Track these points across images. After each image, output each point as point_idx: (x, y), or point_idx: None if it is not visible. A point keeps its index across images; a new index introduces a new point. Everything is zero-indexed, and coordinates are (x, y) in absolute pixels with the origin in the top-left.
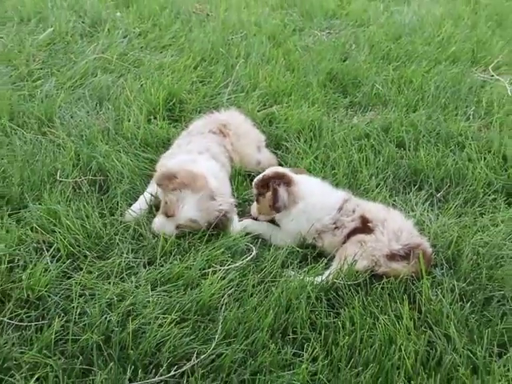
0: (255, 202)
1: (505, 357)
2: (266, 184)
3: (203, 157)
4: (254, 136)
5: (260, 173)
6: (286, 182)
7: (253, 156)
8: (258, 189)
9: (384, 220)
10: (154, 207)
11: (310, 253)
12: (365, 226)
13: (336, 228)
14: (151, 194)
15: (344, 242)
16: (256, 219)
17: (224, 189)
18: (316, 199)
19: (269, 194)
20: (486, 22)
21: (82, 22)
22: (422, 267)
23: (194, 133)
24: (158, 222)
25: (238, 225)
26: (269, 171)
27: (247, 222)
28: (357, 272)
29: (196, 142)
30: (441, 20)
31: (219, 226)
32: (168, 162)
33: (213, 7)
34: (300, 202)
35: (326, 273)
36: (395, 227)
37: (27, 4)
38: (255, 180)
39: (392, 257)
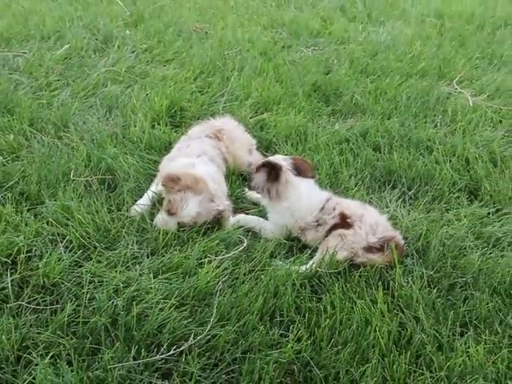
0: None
1: (466, 335)
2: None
3: (201, 159)
4: (245, 140)
5: (251, 173)
6: (271, 174)
7: (245, 158)
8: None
9: (362, 215)
10: (158, 203)
11: (296, 244)
12: (344, 222)
13: (318, 225)
14: (154, 192)
15: (326, 236)
16: None
17: (221, 189)
18: (302, 203)
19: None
20: (450, 42)
21: (96, 39)
22: (394, 257)
23: (193, 138)
24: (161, 218)
25: (231, 219)
26: (271, 158)
27: (240, 216)
28: (337, 262)
29: (194, 146)
30: (411, 40)
31: (215, 222)
32: (170, 163)
33: (211, 26)
34: (285, 201)
35: (310, 262)
36: (372, 222)
37: (48, 24)
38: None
39: (369, 249)
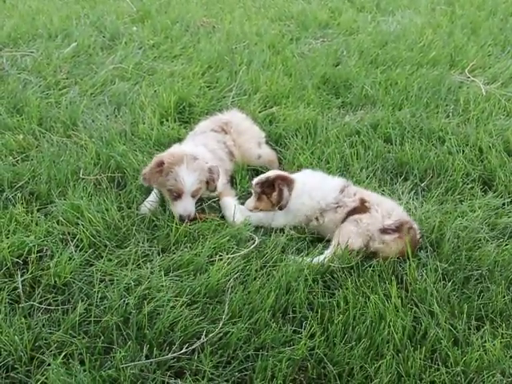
0: (253, 198)
1: (482, 329)
2: (271, 184)
3: (197, 148)
4: (254, 132)
5: (260, 168)
6: (288, 182)
7: (253, 150)
8: (262, 188)
9: (379, 201)
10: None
11: (309, 239)
12: (362, 206)
13: (338, 207)
14: None
15: (343, 221)
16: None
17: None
18: (315, 181)
19: (275, 194)
20: (461, 29)
21: (103, 37)
22: (409, 243)
23: (198, 133)
24: (179, 208)
25: (240, 216)
26: (272, 173)
27: (250, 213)
28: (352, 251)
29: (197, 141)
30: (422, 28)
31: (211, 185)
32: None
33: (218, 20)
34: (299, 184)
35: (324, 253)
36: (388, 207)
37: (55, 22)
38: (257, 179)
39: (384, 230)
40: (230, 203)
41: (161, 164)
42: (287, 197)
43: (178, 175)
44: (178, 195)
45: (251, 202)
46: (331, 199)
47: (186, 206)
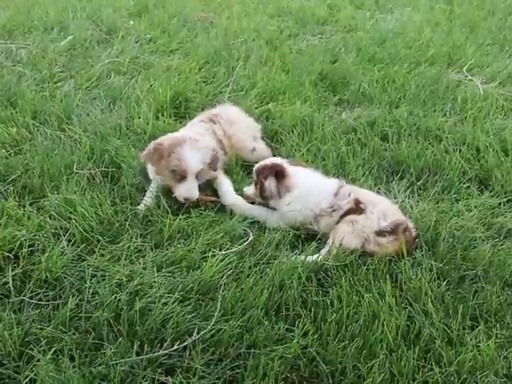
0: (253, 186)
1: (476, 329)
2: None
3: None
4: (247, 123)
5: (256, 161)
6: (277, 173)
7: (248, 142)
8: (256, 177)
9: (374, 202)
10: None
11: (303, 235)
12: (357, 207)
13: (333, 211)
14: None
15: (338, 223)
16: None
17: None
18: (310, 186)
19: (258, 186)
20: (460, 28)
21: (99, 30)
22: (405, 243)
23: (188, 125)
24: (183, 190)
25: (237, 208)
26: (265, 162)
27: (245, 207)
28: (348, 250)
29: (186, 131)
30: (420, 26)
31: (214, 165)
32: None
33: (216, 15)
34: (294, 190)
35: (321, 251)
36: (383, 207)
37: (51, 15)
38: (255, 167)
39: (380, 233)
40: (226, 182)
41: (159, 148)
42: (270, 189)
43: (181, 155)
44: (181, 177)
45: (249, 189)
46: (326, 204)
47: (190, 188)
